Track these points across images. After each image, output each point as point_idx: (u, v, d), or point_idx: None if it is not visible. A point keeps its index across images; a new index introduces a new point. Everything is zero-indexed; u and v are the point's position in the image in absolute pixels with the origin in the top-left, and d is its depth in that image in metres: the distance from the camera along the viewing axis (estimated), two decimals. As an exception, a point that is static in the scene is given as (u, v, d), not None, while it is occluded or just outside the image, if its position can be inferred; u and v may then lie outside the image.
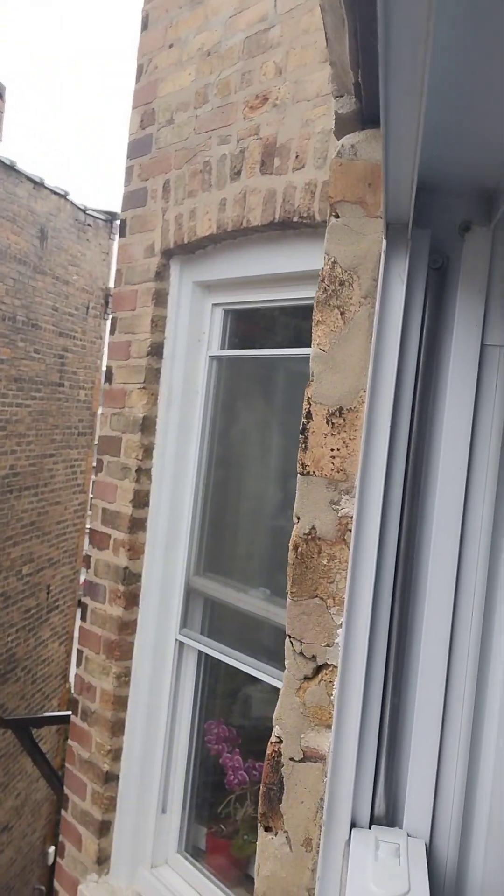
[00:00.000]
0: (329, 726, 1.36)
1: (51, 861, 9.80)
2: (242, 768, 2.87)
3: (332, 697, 1.37)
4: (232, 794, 2.89)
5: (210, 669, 2.94)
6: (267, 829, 1.42)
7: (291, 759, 1.40)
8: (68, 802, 3.14)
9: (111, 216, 10.03)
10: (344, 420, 1.37)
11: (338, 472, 1.38)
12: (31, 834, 9.81)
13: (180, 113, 2.89)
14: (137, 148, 3.11)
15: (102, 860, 2.96)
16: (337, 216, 1.40)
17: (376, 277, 1.35)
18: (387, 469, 1.27)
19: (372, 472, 1.28)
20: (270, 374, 2.86)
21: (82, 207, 9.64)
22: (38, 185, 8.42)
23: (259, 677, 2.58)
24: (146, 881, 2.87)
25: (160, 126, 2.99)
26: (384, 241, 1.29)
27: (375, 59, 0.73)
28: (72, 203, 9.34)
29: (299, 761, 1.40)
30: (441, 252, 1.28)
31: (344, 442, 1.37)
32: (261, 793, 1.44)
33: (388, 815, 1.27)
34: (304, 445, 1.41)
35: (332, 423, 1.38)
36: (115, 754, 2.96)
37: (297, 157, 2.36)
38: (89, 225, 9.85)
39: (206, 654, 2.85)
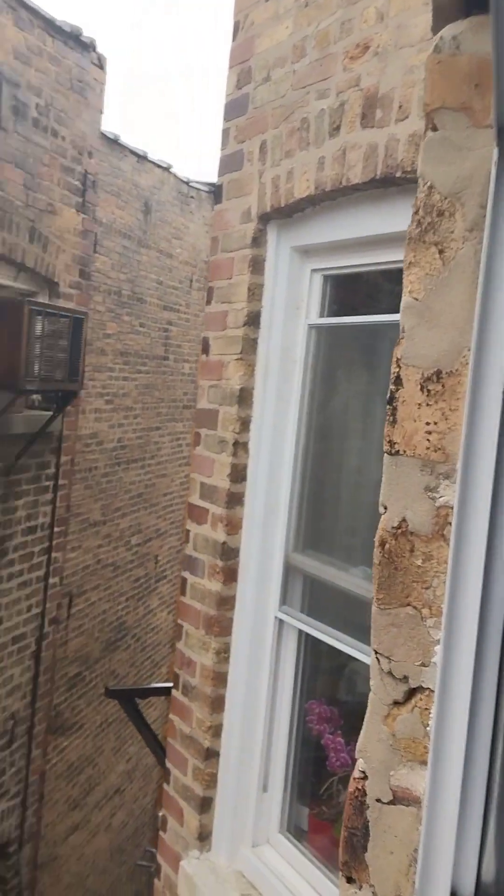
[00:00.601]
0: (425, 763, 1.11)
1: (161, 825, 10.02)
2: (345, 750, 2.78)
3: (428, 728, 1.11)
4: (334, 776, 2.81)
5: (311, 648, 2.86)
6: (349, 880, 1.20)
7: (378, 800, 1.17)
8: (170, 776, 3.13)
9: (214, 188, 9.96)
10: (443, 386, 1.11)
11: (434, 451, 1.12)
12: (142, 798, 10.08)
13: (277, 69, 2.76)
14: (234, 109, 3.00)
15: (204, 836, 2.95)
16: (434, 129, 1.12)
17: (485, 204, 1.08)
18: (498, 447, 1.01)
19: (479, 451, 1.02)
20: (373, 343, 2.72)
21: (185, 180, 9.60)
22: (141, 158, 8.42)
23: (361, 658, 2.48)
24: (247, 860, 2.83)
25: (257, 84, 2.87)
26: (495, 153, 1.03)
27: None
28: (175, 176, 9.31)
29: (388, 804, 1.16)
30: None
31: (442, 413, 1.11)
32: (342, 837, 1.21)
33: (498, 882, 1.01)
34: (391, 418, 1.15)
35: (428, 391, 1.12)
36: (216, 731, 2.92)
37: (400, 107, 2.20)
38: (192, 197, 9.81)
39: (306, 633, 2.77)
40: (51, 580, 6.46)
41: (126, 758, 9.54)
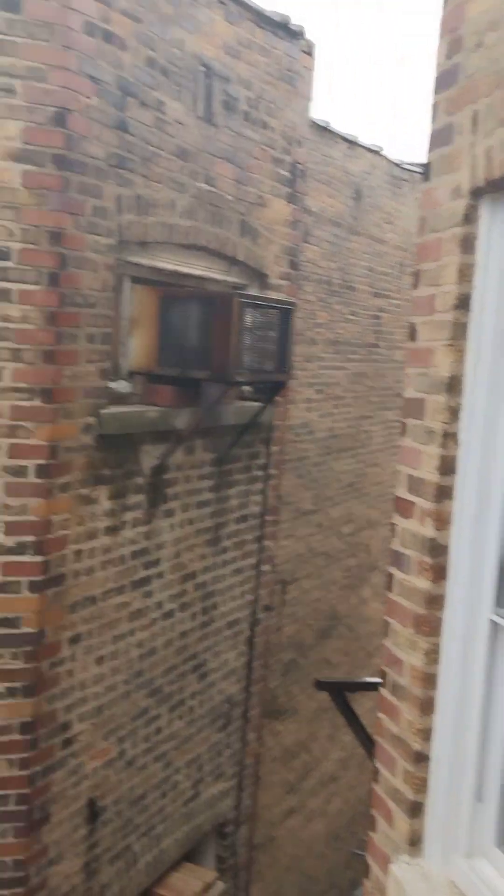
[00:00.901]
0: None
1: (375, 816, 9.98)
2: None
3: None
4: None
5: (529, 654, 2.66)
6: None
7: None
8: (379, 775, 3.06)
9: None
10: None
11: None
12: (357, 787, 10.07)
13: (490, 33, 2.57)
14: (444, 81, 2.84)
15: (414, 842, 2.84)
16: None
17: None
18: None
19: None
20: None
21: (397, 162, 9.39)
22: (352, 144, 8.32)
23: None
24: (461, 871, 2.69)
25: (468, 52, 2.69)
26: None
27: None
28: (386, 159, 9.14)
29: None
30: None
31: None
32: None
33: None
34: None
35: None
36: (426, 734, 2.80)
37: None
38: (405, 179, 9.58)
39: (524, 638, 2.58)
40: (263, 567, 6.57)
41: (340, 746, 9.58)
